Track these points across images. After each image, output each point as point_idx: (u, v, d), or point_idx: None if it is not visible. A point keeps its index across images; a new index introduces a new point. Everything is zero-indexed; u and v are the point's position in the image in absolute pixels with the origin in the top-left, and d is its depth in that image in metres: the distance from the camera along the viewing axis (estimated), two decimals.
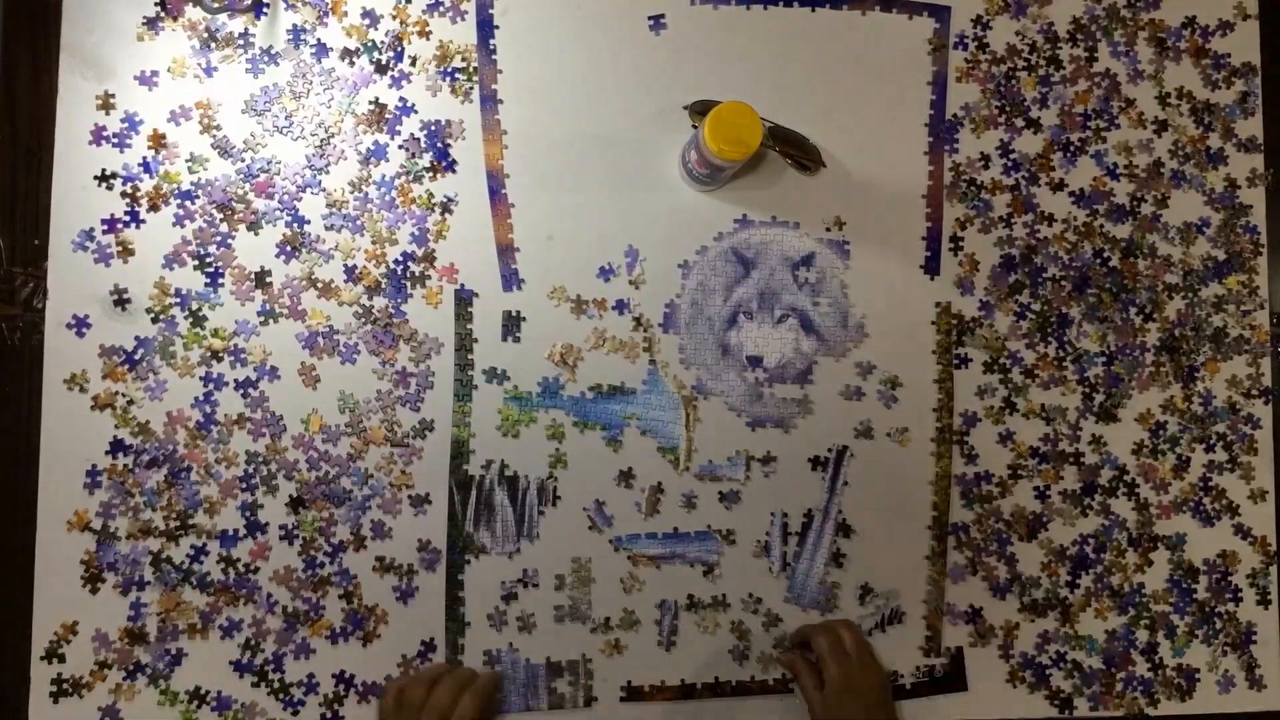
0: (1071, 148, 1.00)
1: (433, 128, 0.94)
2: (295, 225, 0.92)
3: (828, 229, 0.97)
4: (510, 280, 0.94)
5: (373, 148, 0.93)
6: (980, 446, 0.97)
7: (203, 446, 0.90)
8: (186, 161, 0.91)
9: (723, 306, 0.96)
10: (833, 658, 0.87)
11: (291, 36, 0.93)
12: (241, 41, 0.92)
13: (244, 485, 0.90)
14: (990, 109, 0.99)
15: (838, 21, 0.98)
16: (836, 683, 0.86)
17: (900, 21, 0.99)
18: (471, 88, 0.94)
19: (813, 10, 0.98)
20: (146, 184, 0.91)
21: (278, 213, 0.92)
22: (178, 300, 0.90)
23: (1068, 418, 0.98)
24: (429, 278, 0.93)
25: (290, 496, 0.90)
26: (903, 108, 0.99)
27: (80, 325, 0.89)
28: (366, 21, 0.94)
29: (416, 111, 0.94)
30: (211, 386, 0.90)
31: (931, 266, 0.98)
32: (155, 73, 0.91)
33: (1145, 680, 0.97)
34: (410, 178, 0.93)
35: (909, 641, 0.96)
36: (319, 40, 0.93)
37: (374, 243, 0.93)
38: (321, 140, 0.93)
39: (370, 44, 0.94)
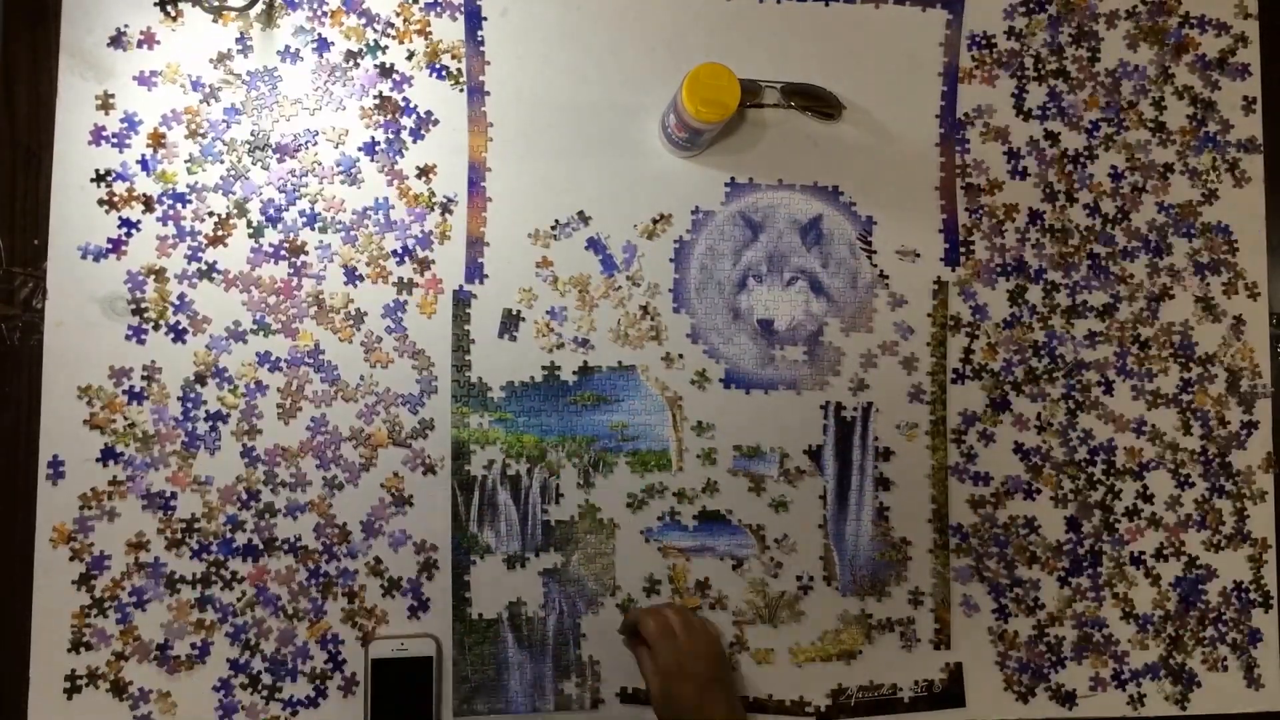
0: (1072, 151, 1.00)
1: (431, 127, 0.94)
2: (293, 227, 0.92)
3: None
4: (474, 272, 0.93)
5: (373, 148, 0.93)
6: (978, 449, 0.97)
7: (198, 452, 0.90)
8: (185, 162, 0.91)
9: (731, 270, 0.96)
10: (661, 642, 0.86)
11: (290, 37, 0.93)
12: (240, 45, 0.92)
13: (246, 498, 0.90)
14: (996, 110, 0.99)
15: (851, 14, 0.98)
16: (669, 667, 0.85)
17: (914, 14, 0.99)
18: (461, 86, 0.94)
19: (826, 5, 0.98)
20: (146, 184, 0.91)
21: (277, 214, 0.92)
22: (176, 302, 0.90)
23: (1062, 420, 0.98)
24: (428, 278, 0.93)
25: (290, 502, 0.91)
26: (915, 101, 0.99)
27: (79, 325, 0.89)
28: (363, 21, 0.94)
29: (416, 111, 0.94)
30: (210, 388, 0.90)
31: (951, 258, 0.98)
32: (155, 73, 0.91)
33: (1145, 681, 0.97)
34: (407, 178, 0.93)
35: (920, 636, 0.96)
36: (320, 36, 0.93)
37: (373, 245, 0.93)
38: (321, 142, 0.93)
39: (370, 45, 0.93)
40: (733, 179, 0.97)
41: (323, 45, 0.93)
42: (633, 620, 0.90)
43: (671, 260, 0.96)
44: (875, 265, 0.97)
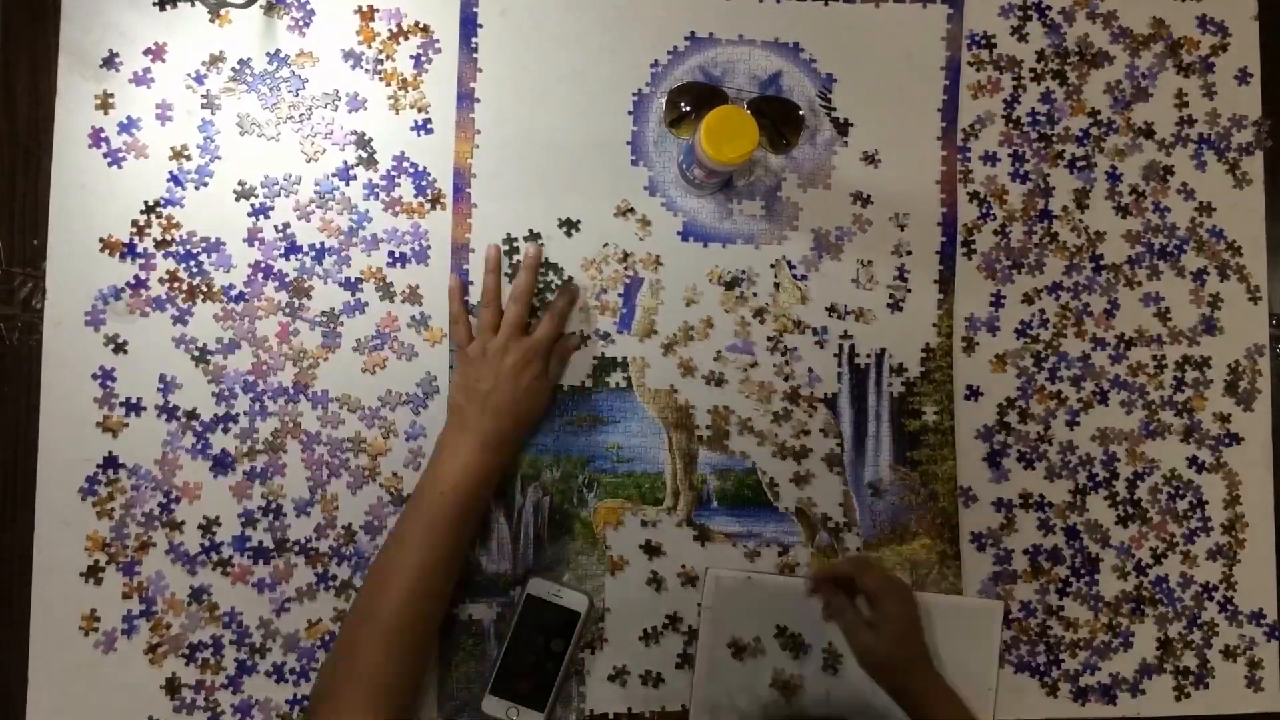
0: (1071, 153, 1.00)
1: (423, 134, 0.94)
2: (292, 228, 0.92)
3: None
4: (462, 279, 0.93)
5: (372, 157, 0.93)
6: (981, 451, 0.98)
7: (202, 454, 0.90)
8: (185, 161, 0.91)
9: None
10: (891, 594, 0.85)
11: (289, 41, 0.93)
12: (238, 46, 0.92)
13: (250, 501, 0.90)
14: (997, 111, 0.99)
15: (851, 13, 0.98)
16: (902, 621, 0.84)
17: (914, 11, 0.99)
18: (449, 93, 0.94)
19: (825, 4, 0.98)
20: (144, 184, 0.91)
21: (276, 217, 0.92)
22: (176, 302, 0.90)
23: (1061, 421, 0.98)
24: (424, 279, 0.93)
25: (296, 503, 0.91)
26: (916, 99, 0.99)
27: (79, 326, 0.89)
28: (363, 21, 0.94)
29: (415, 120, 0.94)
30: (208, 392, 0.90)
31: (948, 252, 0.98)
32: (154, 73, 0.91)
33: (1145, 681, 0.98)
34: (403, 188, 0.93)
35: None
36: (319, 40, 0.93)
37: (372, 259, 0.93)
38: (320, 153, 0.92)
39: (367, 51, 0.93)
40: (693, 33, 0.96)
41: (299, 85, 0.93)
42: (835, 571, 0.88)
43: (630, 113, 0.96)
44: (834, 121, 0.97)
